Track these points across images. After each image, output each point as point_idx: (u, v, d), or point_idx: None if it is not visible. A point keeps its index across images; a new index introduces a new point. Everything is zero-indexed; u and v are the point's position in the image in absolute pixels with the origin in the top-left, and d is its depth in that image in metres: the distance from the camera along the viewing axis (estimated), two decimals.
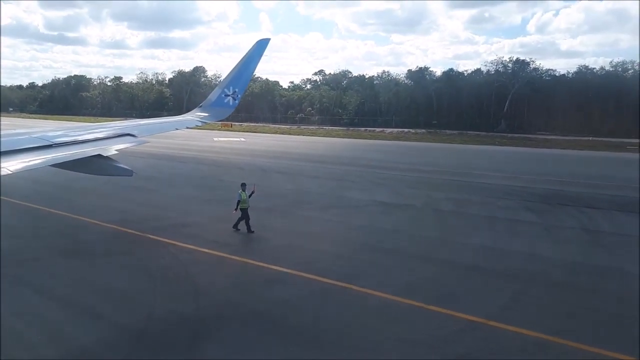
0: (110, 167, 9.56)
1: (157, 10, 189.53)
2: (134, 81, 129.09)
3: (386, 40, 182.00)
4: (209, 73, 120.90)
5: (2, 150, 7.53)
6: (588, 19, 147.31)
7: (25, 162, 7.51)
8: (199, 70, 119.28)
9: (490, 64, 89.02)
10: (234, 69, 15.57)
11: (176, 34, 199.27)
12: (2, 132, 9.14)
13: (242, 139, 56.10)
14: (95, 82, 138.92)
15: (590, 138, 65.33)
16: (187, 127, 14.63)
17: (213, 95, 15.58)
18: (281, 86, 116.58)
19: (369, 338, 8.29)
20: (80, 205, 18.13)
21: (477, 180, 27.22)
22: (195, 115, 15.06)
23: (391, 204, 20.17)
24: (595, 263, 12.79)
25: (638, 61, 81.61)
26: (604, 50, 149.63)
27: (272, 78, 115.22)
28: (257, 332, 8.43)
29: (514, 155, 47.30)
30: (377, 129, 79.69)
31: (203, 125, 15.46)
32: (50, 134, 9.26)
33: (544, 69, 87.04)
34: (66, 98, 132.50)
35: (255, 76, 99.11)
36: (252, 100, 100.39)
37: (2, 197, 17.72)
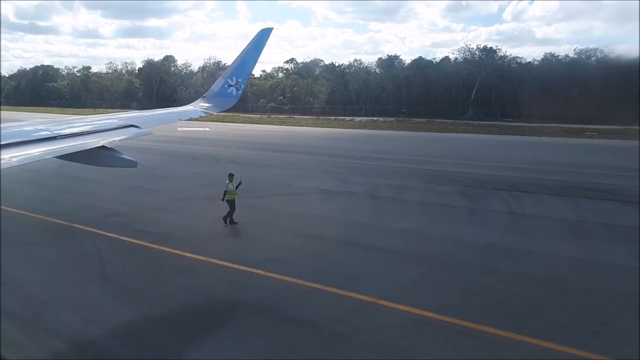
0: (114, 158, 9.57)
1: None
2: (103, 71, 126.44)
3: (364, 28, 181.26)
4: (179, 62, 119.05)
5: (6, 142, 7.39)
6: (563, 6, 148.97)
7: (29, 154, 7.49)
8: (169, 60, 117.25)
9: (458, 52, 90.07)
10: (236, 59, 15.50)
11: (152, 22, 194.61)
12: (4, 125, 9.05)
13: (207, 129, 55.64)
14: (63, 73, 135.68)
15: (554, 125, 66.81)
16: (191, 118, 14.52)
17: (216, 86, 15.42)
18: (252, 75, 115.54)
19: (256, 319, 8.60)
20: (16, 197, 17.94)
21: (426, 167, 27.75)
22: (198, 106, 14.87)
23: (332, 191, 20.51)
24: (507, 245, 13.32)
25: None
26: (578, 38, 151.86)
27: None
28: (145, 315, 8.66)
29: (475, 142, 48.09)
30: (347, 118, 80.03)
31: None
32: (53, 126, 9.21)
33: (511, 56, 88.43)
34: (33, 89, 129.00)
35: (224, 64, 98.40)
36: None
37: None
